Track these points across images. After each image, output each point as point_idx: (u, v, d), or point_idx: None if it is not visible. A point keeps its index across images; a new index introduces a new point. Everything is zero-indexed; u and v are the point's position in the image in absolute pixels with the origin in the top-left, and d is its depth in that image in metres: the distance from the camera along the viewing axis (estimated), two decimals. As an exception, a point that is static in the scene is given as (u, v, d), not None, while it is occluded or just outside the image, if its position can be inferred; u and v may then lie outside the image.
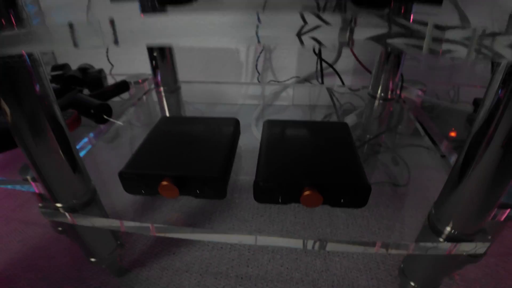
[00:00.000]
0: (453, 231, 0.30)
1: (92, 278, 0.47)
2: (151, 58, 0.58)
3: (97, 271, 0.48)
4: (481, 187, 0.27)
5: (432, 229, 0.32)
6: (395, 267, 0.48)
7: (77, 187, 0.34)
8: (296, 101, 0.74)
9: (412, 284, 0.37)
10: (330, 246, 0.31)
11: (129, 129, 0.51)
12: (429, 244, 0.30)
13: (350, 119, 0.52)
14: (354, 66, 0.78)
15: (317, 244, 0.32)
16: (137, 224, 0.33)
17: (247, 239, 0.33)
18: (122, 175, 0.33)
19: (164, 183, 0.31)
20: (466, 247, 0.31)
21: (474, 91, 0.67)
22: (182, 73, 0.63)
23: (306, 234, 0.53)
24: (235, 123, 0.40)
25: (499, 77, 0.22)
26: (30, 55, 0.26)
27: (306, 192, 0.30)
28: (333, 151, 0.34)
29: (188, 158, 0.33)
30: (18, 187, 0.39)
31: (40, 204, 0.36)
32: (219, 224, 0.54)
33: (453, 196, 0.29)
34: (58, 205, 0.34)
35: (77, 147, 0.45)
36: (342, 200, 0.31)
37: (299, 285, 0.46)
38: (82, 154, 0.44)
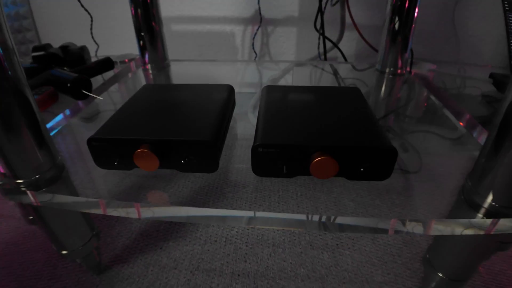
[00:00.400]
0: (494, 203, 0.25)
1: (68, 275, 0.40)
2: (139, 37, 0.53)
3: (74, 268, 0.41)
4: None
5: (469, 204, 0.26)
6: (413, 260, 0.42)
7: (40, 162, 0.29)
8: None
9: (440, 275, 0.32)
10: (339, 220, 0.26)
11: (111, 106, 0.46)
12: (466, 221, 0.25)
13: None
14: (357, 51, 0.73)
15: (324, 218, 0.26)
16: (117, 203, 0.27)
17: (244, 214, 0.28)
18: (91, 143, 0.27)
19: (141, 150, 0.25)
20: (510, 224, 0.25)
21: (483, 70, 0.63)
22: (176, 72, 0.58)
23: (309, 225, 0.47)
24: (229, 89, 0.35)
25: None
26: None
27: (318, 158, 0.24)
28: (347, 114, 0.29)
29: (173, 123, 0.28)
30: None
31: (1, 182, 0.30)
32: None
33: (494, 163, 0.24)
34: (19, 181, 0.29)
35: (50, 124, 0.40)
36: (362, 169, 0.26)
37: (306, 282, 0.40)
38: (54, 131, 0.39)
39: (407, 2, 0.46)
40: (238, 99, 0.41)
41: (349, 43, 0.72)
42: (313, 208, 0.51)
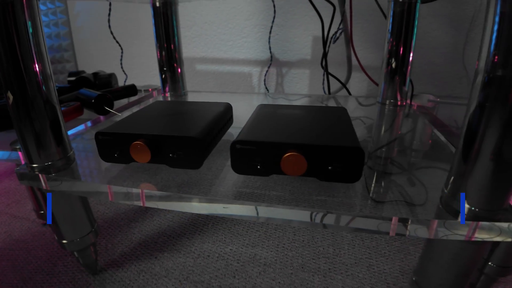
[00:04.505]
0: (473, 208, 0.25)
1: (65, 272, 0.42)
2: (161, 71, 0.61)
3: (72, 266, 0.43)
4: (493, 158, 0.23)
5: (447, 210, 0.26)
6: (410, 291, 0.39)
7: (54, 151, 0.33)
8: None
9: (427, 295, 0.30)
10: (343, 219, 0.26)
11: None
12: (448, 223, 0.25)
13: (360, 133, 0.48)
14: (368, 91, 0.76)
15: (327, 217, 0.26)
16: (123, 189, 0.30)
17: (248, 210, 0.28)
18: (98, 137, 0.31)
19: (136, 142, 0.29)
20: (490, 229, 0.25)
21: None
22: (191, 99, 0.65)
23: (306, 251, 0.46)
24: (227, 106, 0.39)
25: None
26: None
27: (287, 154, 0.26)
28: (327, 123, 0.32)
29: (168, 124, 0.32)
30: (4, 155, 0.39)
31: (18, 167, 0.34)
32: (209, 236, 0.49)
33: (466, 168, 0.25)
34: (34, 165, 0.33)
35: (73, 131, 0.45)
36: (330, 168, 0.27)
37: (293, 303, 0.39)
38: (74, 134, 0.44)
39: (401, 47, 0.49)
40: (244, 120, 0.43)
41: (360, 84, 0.76)
42: (309, 237, 0.50)
